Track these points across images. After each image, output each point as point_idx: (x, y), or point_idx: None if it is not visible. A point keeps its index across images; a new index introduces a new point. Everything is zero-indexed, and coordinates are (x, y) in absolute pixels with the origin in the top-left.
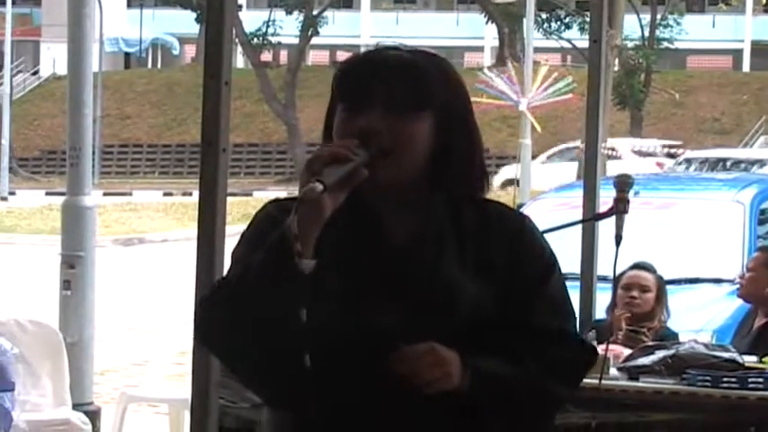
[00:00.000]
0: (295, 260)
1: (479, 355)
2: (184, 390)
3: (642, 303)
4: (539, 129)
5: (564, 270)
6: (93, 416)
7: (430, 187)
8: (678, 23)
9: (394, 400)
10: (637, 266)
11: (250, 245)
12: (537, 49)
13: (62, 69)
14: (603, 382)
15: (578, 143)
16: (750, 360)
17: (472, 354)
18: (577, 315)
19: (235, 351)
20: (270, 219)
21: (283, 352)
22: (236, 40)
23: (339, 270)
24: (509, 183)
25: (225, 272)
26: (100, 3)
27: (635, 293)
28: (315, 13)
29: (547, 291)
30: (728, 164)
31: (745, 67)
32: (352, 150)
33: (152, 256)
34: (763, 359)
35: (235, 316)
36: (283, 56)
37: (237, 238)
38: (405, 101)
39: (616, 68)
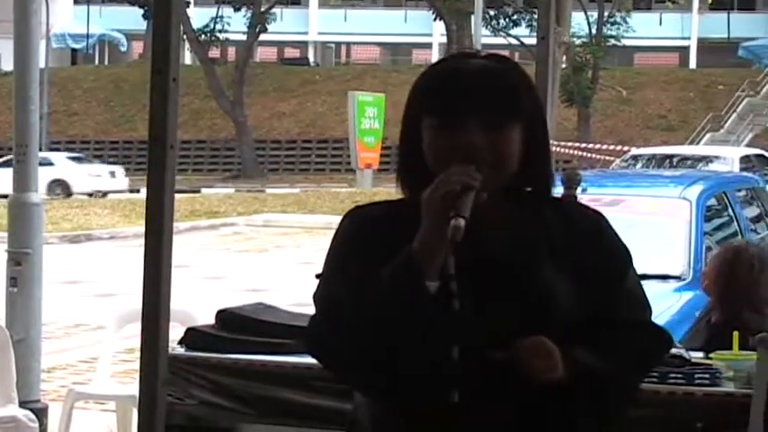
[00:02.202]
0: (425, 288)
1: (574, 348)
2: (132, 387)
3: None
4: None
5: None
6: (41, 413)
7: (517, 191)
8: (625, 21)
9: (500, 397)
10: None
11: (348, 256)
12: (485, 46)
13: (8, 65)
14: None
15: None
16: (696, 356)
17: (566, 348)
18: None
19: (357, 370)
20: (359, 228)
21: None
22: (184, 37)
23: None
24: None
25: (321, 284)
26: None
27: None
28: (262, 9)
29: (627, 284)
30: (675, 161)
31: (692, 64)
32: (473, 177)
33: (99, 253)
34: (710, 355)
35: (364, 341)
36: (231, 52)
37: (188, 234)
38: (500, 114)
39: (564, 65)
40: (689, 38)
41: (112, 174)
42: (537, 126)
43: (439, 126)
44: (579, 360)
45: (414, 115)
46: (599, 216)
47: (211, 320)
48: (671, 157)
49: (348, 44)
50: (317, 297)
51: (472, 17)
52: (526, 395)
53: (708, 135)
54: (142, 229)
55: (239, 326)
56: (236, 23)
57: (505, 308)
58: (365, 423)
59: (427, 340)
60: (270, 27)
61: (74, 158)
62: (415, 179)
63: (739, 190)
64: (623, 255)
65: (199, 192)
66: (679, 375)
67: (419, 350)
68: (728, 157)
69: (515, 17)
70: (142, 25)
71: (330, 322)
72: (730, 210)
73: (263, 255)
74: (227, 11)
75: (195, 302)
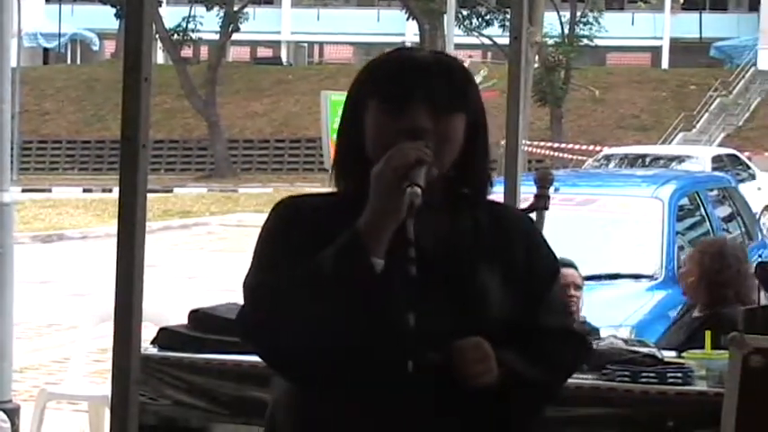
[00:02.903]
0: (373, 265)
1: (505, 351)
2: (104, 387)
3: (577, 301)
4: None
5: None
6: (13, 414)
7: (453, 188)
8: (598, 21)
9: (431, 392)
10: (562, 264)
11: (279, 245)
12: (457, 46)
13: None
14: None
15: None
16: (669, 355)
17: (498, 351)
18: None
19: (298, 357)
20: (290, 219)
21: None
22: (157, 36)
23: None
24: None
25: (251, 273)
26: None
27: (573, 292)
28: (235, 9)
29: (554, 289)
30: (648, 160)
31: (664, 64)
32: (425, 151)
33: (72, 253)
34: (683, 354)
35: (303, 319)
36: (204, 52)
37: (161, 234)
38: (447, 102)
39: (536, 65)
40: (661, 38)
41: None
42: (479, 126)
43: (386, 110)
44: (509, 365)
45: (358, 103)
46: (529, 218)
47: (184, 320)
48: (643, 156)
49: (321, 44)
50: (248, 287)
51: (445, 17)
52: (466, 392)
53: (680, 135)
54: (114, 228)
55: (212, 326)
56: (208, 23)
57: (442, 308)
58: (286, 421)
59: (383, 312)
60: (242, 26)
61: None
62: (354, 170)
63: (711, 189)
64: (552, 258)
65: (171, 191)
66: (651, 374)
67: (370, 324)
68: (701, 157)
69: (488, 17)
70: (114, 24)
71: (266, 311)
72: (702, 209)
73: (236, 254)
74: (199, 10)
75: (168, 302)
